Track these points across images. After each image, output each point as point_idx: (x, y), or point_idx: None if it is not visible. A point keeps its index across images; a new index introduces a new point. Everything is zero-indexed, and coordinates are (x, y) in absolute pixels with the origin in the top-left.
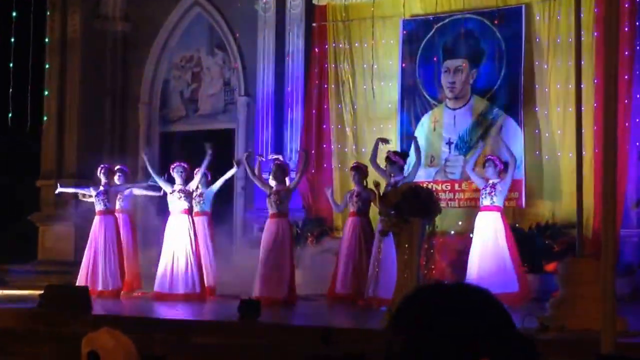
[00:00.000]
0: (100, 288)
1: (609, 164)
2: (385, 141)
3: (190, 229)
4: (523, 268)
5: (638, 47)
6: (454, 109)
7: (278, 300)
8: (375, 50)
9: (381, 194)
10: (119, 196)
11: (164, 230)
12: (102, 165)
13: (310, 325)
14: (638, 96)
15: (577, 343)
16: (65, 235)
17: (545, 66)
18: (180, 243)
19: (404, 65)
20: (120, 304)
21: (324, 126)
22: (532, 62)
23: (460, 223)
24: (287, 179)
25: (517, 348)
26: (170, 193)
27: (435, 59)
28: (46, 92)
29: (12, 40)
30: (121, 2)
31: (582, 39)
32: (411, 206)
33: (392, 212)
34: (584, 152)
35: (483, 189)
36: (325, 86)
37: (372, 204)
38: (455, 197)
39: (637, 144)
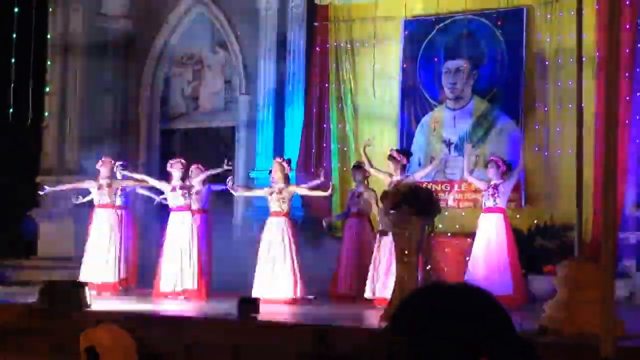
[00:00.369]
0: (102, 281)
1: (609, 167)
2: (368, 144)
3: (191, 225)
4: (520, 272)
5: (639, 45)
6: (455, 110)
7: (282, 301)
8: (377, 51)
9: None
10: (119, 192)
11: (162, 226)
12: (103, 159)
13: (309, 324)
14: (639, 94)
15: (576, 346)
16: (65, 231)
17: (546, 66)
18: (183, 240)
19: (404, 65)
20: (118, 300)
21: (325, 125)
22: (532, 63)
23: (457, 226)
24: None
25: (516, 350)
26: (171, 191)
27: (436, 59)
28: (47, 89)
29: (14, 36)
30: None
31: (584, 36)
32: (411, 206)
33: (392, 212)
34: (583, 155)
35: (485, 190)
36: (326, 85)
37: (372, 203)
38: (455, 198)
39: (638, 141)
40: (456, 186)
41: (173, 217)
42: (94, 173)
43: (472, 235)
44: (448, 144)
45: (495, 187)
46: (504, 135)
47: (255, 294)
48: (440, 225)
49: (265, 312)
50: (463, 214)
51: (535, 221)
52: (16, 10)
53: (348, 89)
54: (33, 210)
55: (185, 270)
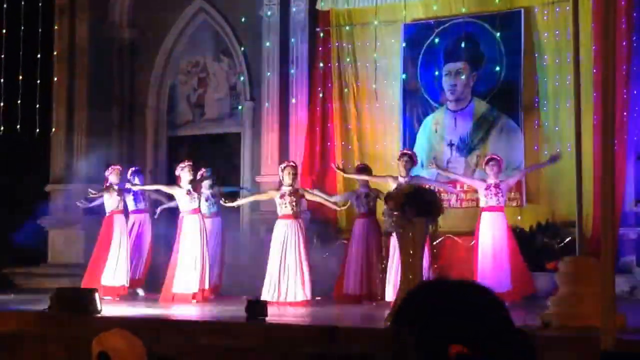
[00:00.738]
0: (120, 284)
1: (607, 164)
2: (342, 170)
3: (202, 228)
4: (522, 264)
5: (634, 42)
6: (455, 111)
7: (294, 303)
8: (378, 54)
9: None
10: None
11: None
12: (112, 167)
13: (317, 325)
14: (635, 92)
15: (578, 340)
16: (75, 238)
17: (544, 66)
18: (196, 243)
19: (405, 68)
20: (128, 305)
21: (328, 129)
22: (531, 65)
23: (462, 223)
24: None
25: (516, 350)
26: (187, 194)
27: (436, 62)
28: (54, 98)
29: (21, 46)
30: (128, 9)
31: (581, 32)
32: (414, 207)
33: (396, 212)
34: (582, 153)
35: (487, 189)
36: (329, 89)
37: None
38: (458, 198)
39: (635, 138)
40: (458, 186)
41: (188, 219)
42: (102, 181)
43: (473, 234)
44: (449, 145)
45: (497, 185)
46: (504, 135)
47: (265, 296)
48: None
49: (273, 314)
50: (463, 212)
51: (536, 219)
52: (22, 21)
53: (350, 93)
54: (43, 218)
55: (200, 272)
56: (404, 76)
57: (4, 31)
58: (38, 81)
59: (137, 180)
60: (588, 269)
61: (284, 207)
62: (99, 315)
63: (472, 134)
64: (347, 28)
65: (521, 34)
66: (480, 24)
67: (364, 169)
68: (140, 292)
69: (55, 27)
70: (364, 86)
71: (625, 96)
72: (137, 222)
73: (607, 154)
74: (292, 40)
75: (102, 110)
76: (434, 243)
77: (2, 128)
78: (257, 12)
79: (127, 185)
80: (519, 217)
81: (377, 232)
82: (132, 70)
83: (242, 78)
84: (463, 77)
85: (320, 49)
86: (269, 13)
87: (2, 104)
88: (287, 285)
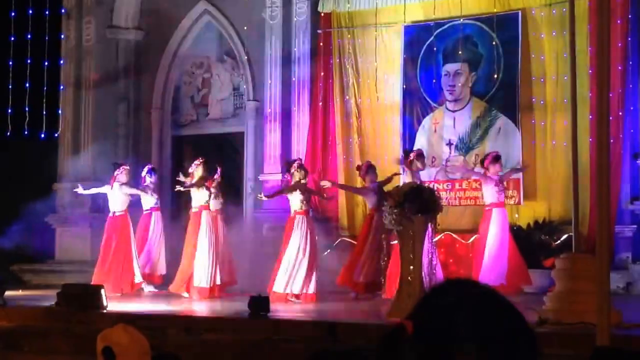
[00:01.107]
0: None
1: (602, 163)
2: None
3: (214, 224)
4: (517, 258)
5: (630, 42)
6: (454, 111)
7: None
8: (378, 55)
9: None
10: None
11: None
12: (123, 167)
13: (319, 320)
14: (630, 85)
15: (573, 336)
16: (81, 235)
17: (542, 69)
18: (209, 238)
19: (405, 69)
20: (135, 300)
21: (330, 129)
22: (528, 66)
23: (461, 221)
24: None
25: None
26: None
27: (435, 63)
28: (61, 99)
29: (29, 49)
30: (134, 11)
31: (577, 33)
32: (414, 205)
33: (396, 210)
34: (579, 152)
35: (497, 185)
36: (331, 90)
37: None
38: (456, 196)
39: (631, 132)
40: (457, 184)
41: (205, 215)
42: (107, 179)
43: (471, 231)
44: (448, 144)
45: (502, 181)
46: (502, 135)
47: (278, 289)
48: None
49: (276, 310)
50: (462, 210)
51: (534, 217)
52: (30, 24)
53: (352, 93)
54: (50, 216)
55: (217, 266)
56: (403, 77)
57: (12, 37)
58: (45, 82)
59: (153, 178)
60: (584, 266)
61: (300, 203)
62: (105, 311)
63: (471, 133)
64: (348, 30)
65: (519, 35)
66: (478, 26)
67: (373, 167)
68: (149, 287)
69: (62, 30)
70: (364, 86)
71: (620, 90)
72: (158, 219)
73: (602, 152)
74: (294, 42)
75: (108, 110)
76: (433, 241)
77: (10, 128)
78: (260, 14)
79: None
80: (517, 215)
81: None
82: (137, 71)
83: (244, 86)
84: (462, 77)
85: (322, 50)
86: (271, 15)
87: (10, 104)
88: (298, 280)
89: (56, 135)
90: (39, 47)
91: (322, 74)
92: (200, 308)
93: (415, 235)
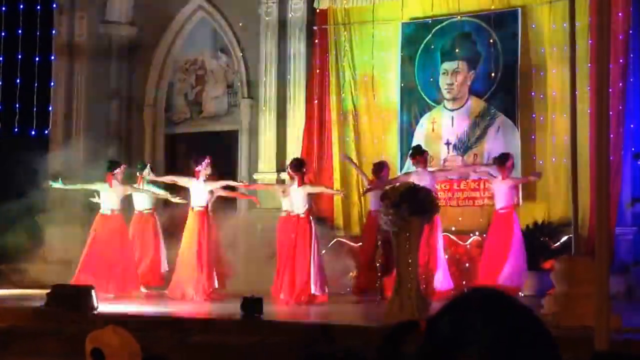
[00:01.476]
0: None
1: (602, 163)
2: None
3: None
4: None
5: (631, 36)
6: (452, 110)
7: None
8: (375, 53)
9: None
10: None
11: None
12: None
13: (313, 322)
14: (632, 79)
15: (572, 339)
16: (71, 235)
17: (542, 70)
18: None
19: (403, 67)
20: (125, 302)
21: (325, 127)
22: (528, 64)
23: (460, 219)
24: None
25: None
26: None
27: (433, 61)
28: (52, 96)
29: (19, 45)
30: (127, 7)
31: (577, 25)
32: (410, 205)
33: (392, 211)
34: (580, 148)
35: (517, 186)
36: (327, 87)
37: None
38: (454, 197)
39: (632, 127)
40: (455, 185)
41: (206, 215)
42: (100, 177)
43: (469, 232)
44: (447, 143)
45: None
46: (501, 134)
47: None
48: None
49: (269, 312)
50: (460, 211)
51: (533, 218)
52: (21, 17)
53: (348, 91)
54: (39, 215)
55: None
56: (400, 75)
57: (2, 32)
58: (36, 78)
59: (152, 175)
60: (584, 268)
61: (301, 203)
62: (95, 312)
63: (469, 132)
64: (345, 27)
65: (518, 33)
66: (477, 23)
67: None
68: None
69: (54, 25)
70: (361, 84)
71: (620, 84)
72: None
73: (602, 152)
74: (290, 38)
75: (100, 107)
76: (430, 241)
77: (0, 125)
78: (256, 10)
79: (148, 177)
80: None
81: None
82: (130, 68)
83: (238, 84)
84: (460, 76)
85: (318, 47)
86: (267, 11)
87: (0, 101)
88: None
89: (47, 132)
90: (29, 42)
91: (318, 71)
92: (193, 309)
93: (411, 237)
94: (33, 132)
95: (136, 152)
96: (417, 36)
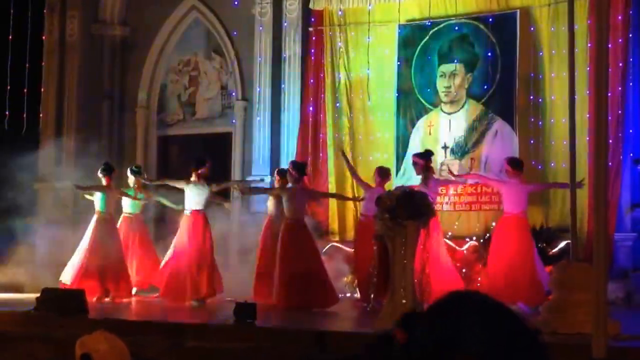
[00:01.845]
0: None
1: (600, 167)
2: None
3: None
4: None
5: (631, 35)
6: (449, 114)
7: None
8: (372, 55)
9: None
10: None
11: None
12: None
13: (306, 329)
14: (631, 84)
15: (569, 347)
16: (63, 237)
17: (540, 72)
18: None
19: (399, 69)
20: (118, 306)
21: (321, 130)
22: (526, 67)
23: (456, 225)
24: None
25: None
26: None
27: (430, 63)
28: (42, 96)
29: (10, 43)
30: (120, 6)
31: (576, 28)
32: (405, 210)
33: (387, 215)
34: (578, 151)
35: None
36: (322, 89)
37: None
38: (450, 201)
39: (630, 130)
40: (451, 189)
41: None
42: (91, 179)
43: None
44: (444, 147)
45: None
46: (499, 139)
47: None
48: None
49: (262, 317)
50: (456, 216)
51: (531, 224)
52: (12, 17)
53: (343, 93)
54: (30, 217)
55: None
56: (397, 77)
57: None
58: (26, 79)
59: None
60: (582, 274)
61: (298, 208)
62: (86, 316)
63: (467, 136)
64: (341, 28)
65: (517, 35)
66: (475, 25)
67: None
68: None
69: (45, 24)
70: (357, 86)
71: (620, 88)
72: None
73: (600, 156)
74: (285, 39)
75: (91, 108)
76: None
77: None
78: (250, 10)
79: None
80: None
81: None
82: (123, 68)
83: (232, 85)
84: (458, 78)
85: (313, 48)
86: (261, 12)
87: None
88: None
89: (37, 134)
90: (20, 43)
91: (313, 72)
92: (184, 314)
93: (406, 242)
94: (23, 134)
95: (128, 154)
96: (414, 38)
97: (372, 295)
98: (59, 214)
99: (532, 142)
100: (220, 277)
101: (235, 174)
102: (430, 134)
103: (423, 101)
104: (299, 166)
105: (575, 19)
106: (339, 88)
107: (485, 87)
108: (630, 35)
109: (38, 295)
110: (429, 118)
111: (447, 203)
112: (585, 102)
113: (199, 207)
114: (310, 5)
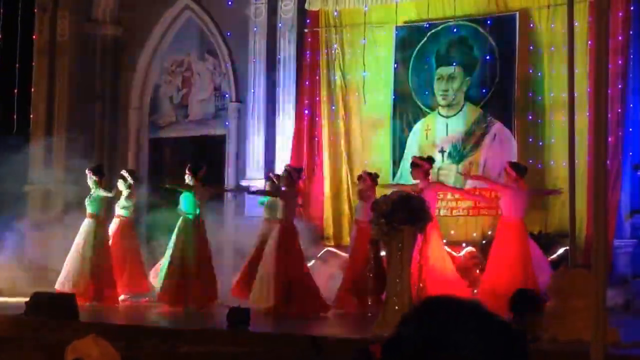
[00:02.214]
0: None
1: (599, 175)
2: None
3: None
4: None
5: (632, 36)
6: (447, 117)
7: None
8: (368, 57)
9: None
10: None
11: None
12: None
13: (300, 334)
14: (631, 105)
15: (568, 354)
16: (53, 240)
17: (539, 74)
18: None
19: (396, 72)
20: (109, 311)
21: (316, 133)
22: (525, 70)
23: (452, 232)
24: None
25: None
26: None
27: (427, 66)
28: (33, 96)
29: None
30: (112, 6)
31: (576, 24)
32: (402, 214)
33: (383, 220)
34: (577, 161)
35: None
36: (317, 92)
37: None
38: (448, 206)
39: (630, 153)
40: (449, 194)
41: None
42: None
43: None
44: (441, 151)
45: None
46: (497, 143)
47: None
48: None
49: (255, 322)
50: (454, 221)
51: (529, 230)
52: (2, 16)
53: (339, 96)
54: (20, 220)
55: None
56: (394, 79)
57: None
58: (17, 79)
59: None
60: (581, 281)
61: (294, 211)
62: (77, 321)
63: (465, 140)
64: (336, 29)
65: (516, 38)
66: (474, 28)
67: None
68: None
69: (36, 23)
70: (352, 88)
71: (620, 86)
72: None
73: (600, 155)
74: (280, 40)
75: (83, 109)
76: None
77: None
78: (244, 11)
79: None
80: None
81: None
82: (115, 69)
83: (226, 86)
84: (456, 82)
85: (308, 49)
86: (256, 12)
87: None
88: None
89: (28, 134)
90: (10, 43)
91: (309, 74)
92: (177, 319)
93: (403, 247)
94: (13, 135)
95: (120, 155)
96: (412, 40)
97: (369, 302)
98: (49, 216)
99: (530, 140)
100: (216, 284)
101: (230, 177)
102: (427, 137)
103: (420, 104)
104: (294, 171)
105: (575, 17)
106: (334, 90)
107: (484, 90)
108: (631, 33)
109: (27, 299)
110: (426, 121)
111: (445, 208)
112: (585, 99)
113: (198, 211)
114: (306, 6)
